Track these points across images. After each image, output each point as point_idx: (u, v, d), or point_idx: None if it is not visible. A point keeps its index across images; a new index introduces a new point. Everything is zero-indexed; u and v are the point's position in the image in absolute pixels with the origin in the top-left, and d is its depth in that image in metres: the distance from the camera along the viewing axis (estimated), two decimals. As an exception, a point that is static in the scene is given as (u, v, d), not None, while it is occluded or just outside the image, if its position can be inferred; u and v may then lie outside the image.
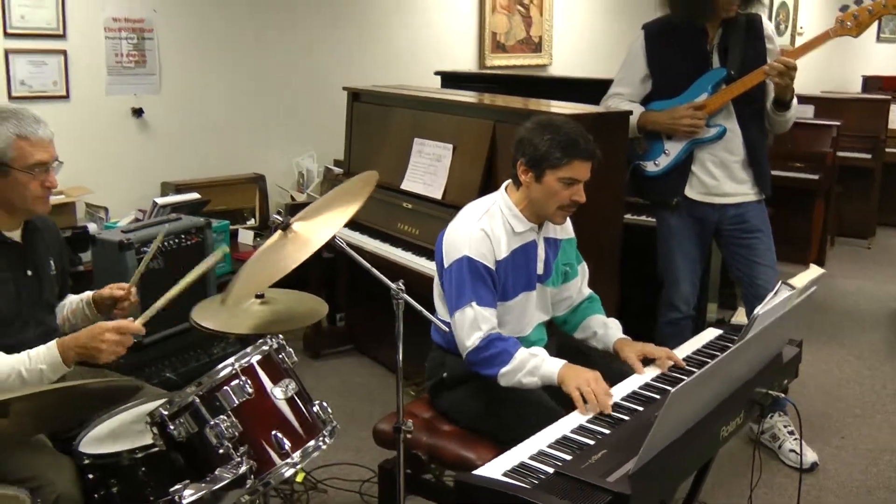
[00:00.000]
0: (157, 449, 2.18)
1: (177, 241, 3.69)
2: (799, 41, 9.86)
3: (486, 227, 2.69)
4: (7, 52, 4.49)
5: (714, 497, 3.47)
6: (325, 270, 5.00)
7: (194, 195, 4.72)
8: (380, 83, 5.48)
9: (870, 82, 9.90)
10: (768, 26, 3.73)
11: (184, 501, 1.80)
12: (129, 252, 3.48)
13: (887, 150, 7.76)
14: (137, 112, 5.02)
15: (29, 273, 2.62)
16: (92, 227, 4.46)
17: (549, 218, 2.78)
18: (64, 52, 4.70)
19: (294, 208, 5.10)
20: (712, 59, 3.62)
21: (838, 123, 6.76)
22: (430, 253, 3.87)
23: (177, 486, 1.88)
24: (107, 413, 2.52)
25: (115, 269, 3.47)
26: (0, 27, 4.46)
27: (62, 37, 4.69)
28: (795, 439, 3.77)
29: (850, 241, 7.79)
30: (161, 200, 4.53)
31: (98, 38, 4.83)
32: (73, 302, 2.83)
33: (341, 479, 3.60)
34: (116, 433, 2.43)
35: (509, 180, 2.82)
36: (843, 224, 7.81)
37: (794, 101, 3.63)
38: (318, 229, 2.30)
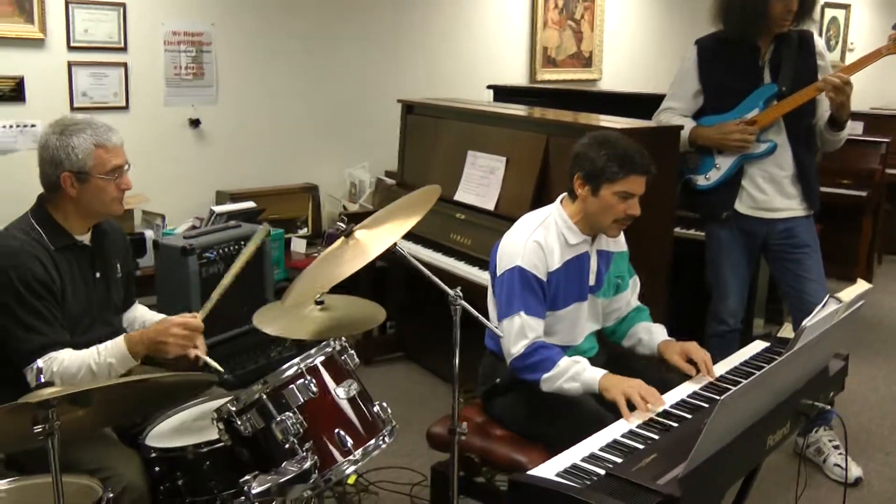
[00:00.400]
0: (221, 444, 2.29)
1: (236, 247, 3.81)
2: (850, 57, 9.84)
3: (540, 239, 2.78)
4: (70, 65, 4.66)
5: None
6: (377, 279, 5.10)
7: (250, 204, 4.85)
8: (432, 96, 5.60)
9: (922, 97, 9.85)
10: (819, 43, 3.77)
11: (252, 492, 1.90)
12: (192, 257, 3.62)
13: (938, 167, 7.71)
14: (195, 123, 5.17)
15: (98, 275, 2.76)
16: (149, 234, 4.61)
17: (604, 231, 2.86)
18: (125, 65, 4.86)
19: (350, 217, 5.23)
20: (764, 75, 3.67)
21: (888, 140, 6.74)
22: (482, 263, 3.98)
23: (246, 478, 1.99)
24: (170, 409, 2.65)
25: (177, 273, 3.60)
26: (64, 40, 4.63)
27: (123, 50, 4.85)
28: (840, 454, 3.79)
29: (898, 258, 7.76)
30: (218, 209, 4.66)
31: (158, 51, 4.99)
32: (147, 320, 2.95)
33: (392, 482, 3.69)
34: (180, 429, 2.56)
35: (565, 193, 2.91)
36: (892, 241, 7.76)
37: (849, 121, 3.66)
38: (378, 237, 2.40)
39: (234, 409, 2.16)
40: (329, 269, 2.38)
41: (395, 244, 2.37)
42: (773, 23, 3.58)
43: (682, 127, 3.77)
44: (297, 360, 2.22)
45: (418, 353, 5.10)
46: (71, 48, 4.66)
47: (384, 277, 5.22)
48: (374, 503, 3.56)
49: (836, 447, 3.83)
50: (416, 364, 5.05)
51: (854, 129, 7.05)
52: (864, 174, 6.61)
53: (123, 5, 4.79)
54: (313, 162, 5.73)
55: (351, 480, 3.56)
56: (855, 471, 3.76)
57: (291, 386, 2.18)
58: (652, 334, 3.02)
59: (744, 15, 3.61)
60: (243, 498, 2.15)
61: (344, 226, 2.44)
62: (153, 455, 2.38)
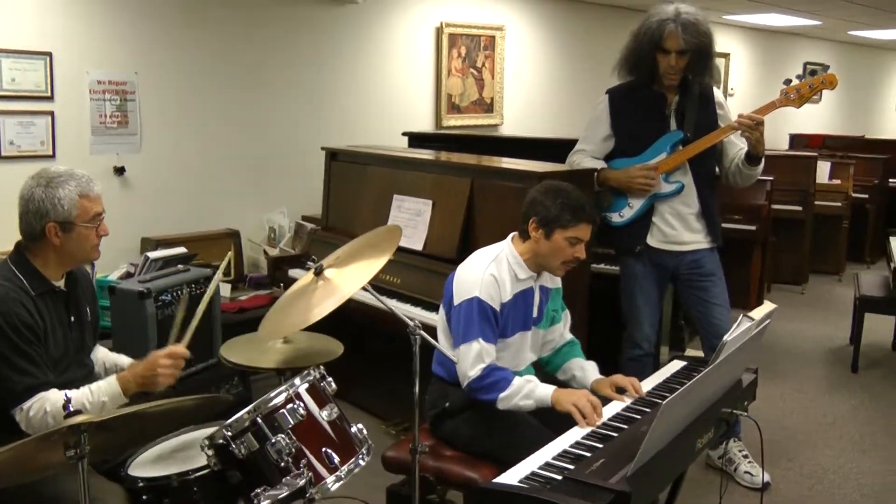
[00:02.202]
0: (207, 470, 2.47)
1: (189, 289, 3.96)
2: (730, 100, 10.47)
3: (494, 273, 3.05)
4: (-2, 114, 4.71)
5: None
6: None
7: (181, 249, 4.96)
8: (349, 142, 5.82)
9: (797, 140, 10.52)
10: (718, 94, 4.18)
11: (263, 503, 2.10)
12: (149, 300, 3.77)
13: (816, 202, 8.32)
14: (119, 171, 5.26)
15: (73, 319, 2.88)
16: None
17: (552, 270, 3.16)
18: (52, 114, 4.94)
19: (277, 261, 5.40)
20: (670, 123, 4.03)
21: (772, 178, 7.25)
22: (413, 301, 4.22)
23: (256, 491, 2.18)
24: (147, 443, 2.80)
25: (134, 316, 3.74)
26: (-9, 90, 4.68)
27: (50, 98, 4.93)
28: (750, 462, 4.14)
29: (785, 287, 8.32)
30: (153, 255, 4.76)
31: (83, 99, 5.08)
32: (107, 361, 3.07)
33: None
34: (160, 459, 2.71)
35: (515, 232, 3.19)
36: (778, 271, 8.32)
37: (763, 157, 4.04)
38: (347, 277, 2.63)
39: (229, 433, 2.34)
40: (302, 306, 2.60)
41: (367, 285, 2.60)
42: (662, 77, 3.96)
43: (595, 170, 4.10)
44: (284, 386, 2.42)
45: (344, 389, 5.19)
46: (-2, 97, 4.71)
47: (314, 327, 5.37)
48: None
49: (746, 456, 4.18)
50: (342, 399, 5.19)
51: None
52: (753, 210, 7.10)
53: (50, 54, 4.88)
54: (234, 208, 5.86)
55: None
56: (764, 476, 4.11)
57: (282, 410, 2.37)
58: (585, 371, 3.29)
59: (635, 66, 4.01)
60: None
61: (314, 264, 2.66)
62: (140, 485, 2.51)
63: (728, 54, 10.57)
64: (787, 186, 7.93)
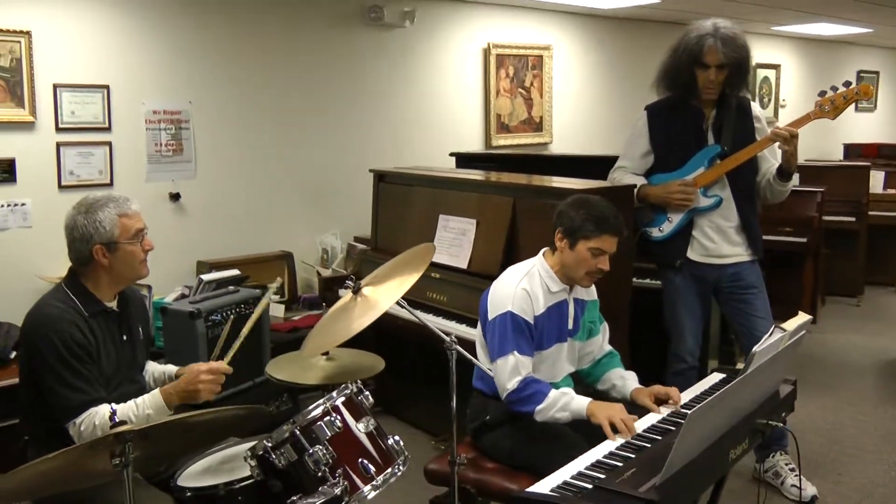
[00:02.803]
0: (251, 481, 2.58)
1: (238, 309, 4.10)
2: (781, 112, 10.42)
3: (526, 287, 3.14)
4: (59, 145, 4.91)
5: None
6: (355, 339, 5.36)
7: (235, 272, 5.12)
8: (398, 164, 5.95)
9: (850, 150, 10.39)
10: (756, 108, 4.20)
11: (299, 512, 2.21)
12: (199, 320, 3.92)
13: (870, 213, 8.23)
14: (175, 197, 5.43)
15: (125, 338, 3.04)
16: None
17: (578, 281, 3.23)
18: (109, 144, 5.12)
19: (328, 281, 5.54)
20: (708, 137, 4.07)
21: (822, 189, 7.20)
22: (459, 318, 4.30)
23: (293, 499, 2.29)
24: (195, 456, 2.93)
25: (185, 336, 3.89)
26: (52, 122, 4.88)
27: (108, 129, 5.11)
28: (796, 475, 4.14)
29: (840, 299, 8.23)
30: (206, 277, 4.93)
31: (139, 129, 5.25)
32: (156, 372, 3.23)
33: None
34: (207, 471, 2.84)
35: (547, 247, 3.27)
36: (833, 284, 8.23)
37: (796, 173, 4.06)
38: (384, 293, 2.73)
39: (269, 444, 2.46)
40: (341, 323, 2.70)
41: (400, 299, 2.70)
42: (700, 91, 4.00)
43: (634, 186, 4.15)
44: (322, 400, 2.53)
45: (396, 407, 5.36)
46: (59, 129, 4.90)
47: (361, 338, 5.49)
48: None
49: (792, 469, 4.18)
50: (395, 417, 5.32)
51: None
52: (803, 222, 7.05)
53: (107, 87, 5.07)
54: (287, 230, 6.00)
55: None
56: (810, 490, 4.11)
57: (320, 423, 2.48)
58: (625, 381, 3.36)
59: (675, 82, 4.05)
60: None
61: (352, 283, 2.76)
62: (188, 494, 2.65)
63: (778, 65, 10.51)
64: (840, 197, 7.87)
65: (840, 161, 9.75)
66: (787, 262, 7.01)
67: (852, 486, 4.30)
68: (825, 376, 6.01)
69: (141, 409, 2.80)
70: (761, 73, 10.23)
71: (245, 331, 3.03)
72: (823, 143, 10.65)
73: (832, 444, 4.83)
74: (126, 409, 2.79)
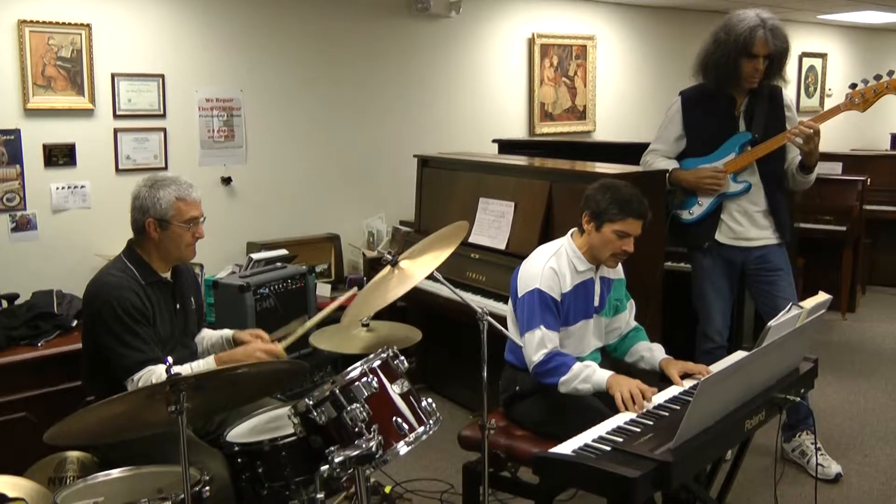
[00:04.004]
0: (294, 438, 2.79)
1: (284, 285, 4.32)
2: (828, 101, 10.40)
3: (554, 266, 3.31)
4: (116, 131, 5.13)
5: (748, 501, 3.98)
6: (397, 318, 5.56)
7: (283, 251, 5.34)
8: (443, 150, 6.11)
9: (897, 139, 10.40)
10: (787, 97, 4.30)
11: (335, 461, 2.40)
12: (248, 293, 4.14)
13: (915, 203, 8.23)
14: (226, 181, 5.64)
15: (178, 306, 3.28)
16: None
17: (603, 262, 3.39)
18: (164, 130, 5.33)
19: (372, 262, 5.74)
20: (739, 124, 4.19)
21: (863, 178, 7.23)
22: (496, 296, 4.48)
23: (330, 449, 2.50)
24: (242, 416, 3.14)
25: (235, 308, 4.12)
26: (110, 110, 5.11)
27: (162, 116, 5.32)
28: (822, 454, 4.25)
29: (881, 289, 8.24)
30: (256, 256, 5.15)
31: (192, 116, 5.47)
32: (212, 336, 3.46)
33: (423, 491, 4.18)
34: (254, 430, 3.07)
35: (575, 228, 3.43)
36: (874, 273, 8.26)
37: (817, 164, 4.16)
38: (419, 266, 2.92)
39: (311, 402, 2.66)
40: (380, 292, 2.90)
41: (434, 272, 2.88)
42: (744, 80, 4.11)
43: (667, 171, 4.29)
44: (359, 363, 2.73)
45: (438, 384, 5.55)
46: (116, 116, 5.12)
47: (404, 317, 5.68)
48: (408, 508, 4.03)
49: (818, 448, 4.29)
50: (436, 393, 5.49)
51: (833, 168, 7.61)
52: (844, 210, 7.08)
53: (162, 76, 5.29)
54: (334, 214, 6.20)
55: (387, 490, 4.03)
56: (835, 467, 4.23)
57: (357, 383, 2.68)
58: (653, 352, 3.51)
59: (718, 71, 4.14)
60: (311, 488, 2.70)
61: (391, 256, 2.96)
62: (236, 449, 2.87)
63: (825, 55, 10.50)
64: (884, 187, 7.87)
65: (886, 150, 9.72)
66: (826, 251, 7.07)
67: (878, 468, 4.40)
68: (860, 363, 6.09)
69: (195, 370, 3.01)
70: (807, 61, 10.23)
71: (310, 324, 3.26)
72: (870, 133, 10.62)
73: (861, 428, 4.92)
74: (180, 370, 2.99)
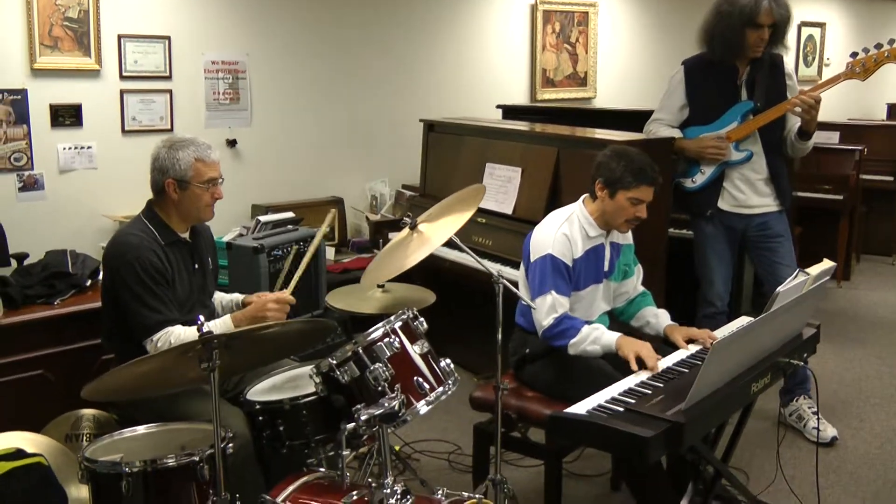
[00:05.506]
0: (315, 397, 2.86)
1: (297, 245, 4.39)
2: (826, 71, 10.43)
3: (566, 231, 3.37)
4: (122, 92, 5.13)
5: (749, 464, 4.09)
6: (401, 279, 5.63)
7: (289, 214, 5.37)
8: (446, 115, 6.14)
9: (894, 109, 10.41)
10: (788, 65, 4.36)
11: (361, 418, 2.48)
12: (262, 255, 4.20)
13: (910, 172, 8.30)
14: (231, 143, 5.66)
15: (196, 266, 3.33)
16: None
17: (617, 228, 3.46)
18: (170, 92, 5.34)
19: (378, 225, 5.79)
20: (741, 93, 4.24)
21: (860, 148, 7.28)
22: (503, 261, 4.53)
23: (357, 407, 2.57)
24: (259, 375, 3.22)
25: (249, 269, 4.18)
26: (117, 71, 5.11)
27: (168, 78, 5.33)
28: (819, 418, 4.34)
29: (874, 258, 8.35)
30: (263, 218, 5.19)
31: (198, 79, 5.47)
32: (224, 300, 3.52)
33: (431, 451, 4.28)
34: (273, 388, 3.14)
35: (587, 194, 3.49)
36: (868, 242, 8.35)
37: (815, 132, 4.23)
38: (438, 229, 2.98)
39: (333, 362, 2.72)
40: (398, 256, 2.96)
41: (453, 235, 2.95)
42: (749, 49, 4.15)
43: (672, 139, 4.34)
44: (381, 323, 2.79)
45: (446, 349, 5.57)
46: (123, 77, 5.12)
47: (412, 282, 5.74)
48: (418, 467, 4.10)
49: (815, 413, 4.39)
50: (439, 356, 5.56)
51: (830, 138, 7.66)
52: (840, 180, 7.15)
53: (168, 38, 5.29)
54: (338, 177, 6.23)
55: (397, 448, 4.12)
56: (831, 431, 4.34)
57: (380, 343, 2.74)
58: (658, 318, 3.60)
59: (723, 42, 4.18)
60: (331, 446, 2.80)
61: (409, 220, 3.02)
62: (257, 407, 2.94)
63: (824, 24, 10.51)
64: (880, 156, 7.92)
65: (882, 121, 9.77)
66: (823, 219, 7.14)
67: (873, 433, 4.51)
68: (855, 330, 6.20)
69: (215, 330, 3.08)
70: (806, 31, 10.24)
71: (304, 262, 3.30)
72: (868, 103, 10.66)
73: (857, 394, 5.03)
74: (212, 327, 3.06)
